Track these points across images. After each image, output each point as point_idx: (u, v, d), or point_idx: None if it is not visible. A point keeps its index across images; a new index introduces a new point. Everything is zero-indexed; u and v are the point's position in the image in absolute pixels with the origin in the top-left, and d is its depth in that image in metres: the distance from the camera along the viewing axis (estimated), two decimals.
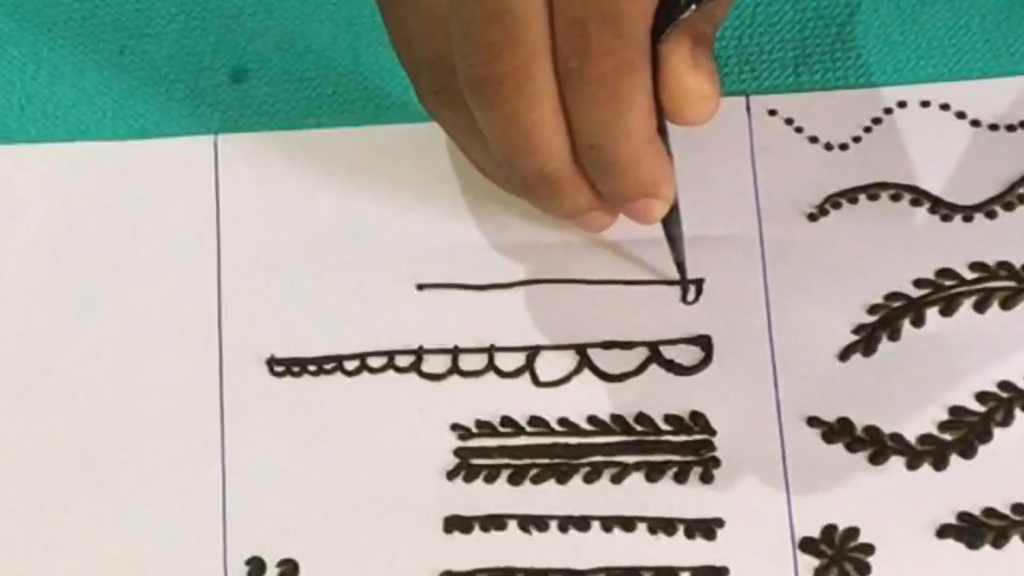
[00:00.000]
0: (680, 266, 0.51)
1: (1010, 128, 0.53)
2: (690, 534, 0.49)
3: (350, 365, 0.51)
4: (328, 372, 0.52)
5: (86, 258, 0.53)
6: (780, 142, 0.53)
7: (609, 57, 0.43)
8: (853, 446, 0.49)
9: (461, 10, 0.43)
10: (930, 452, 0.49)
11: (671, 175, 0.47)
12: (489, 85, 0.44)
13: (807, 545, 0.48)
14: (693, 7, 0.43)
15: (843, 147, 0.53)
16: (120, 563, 0.50)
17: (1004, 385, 0.49)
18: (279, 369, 0.52)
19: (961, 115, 0.53)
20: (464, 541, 0.49)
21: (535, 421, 0.50)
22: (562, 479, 0.50)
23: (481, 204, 0.52)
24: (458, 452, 0.50)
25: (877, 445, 0.49)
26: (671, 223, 0.49)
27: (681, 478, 0.49)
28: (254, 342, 0.52)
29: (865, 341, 0.50)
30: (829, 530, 0.48)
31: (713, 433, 0.50)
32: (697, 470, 0.49)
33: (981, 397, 0.49)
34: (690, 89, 0.44)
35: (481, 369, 0.51)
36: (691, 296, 0.51)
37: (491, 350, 0.51)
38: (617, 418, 0.50)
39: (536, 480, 0.50)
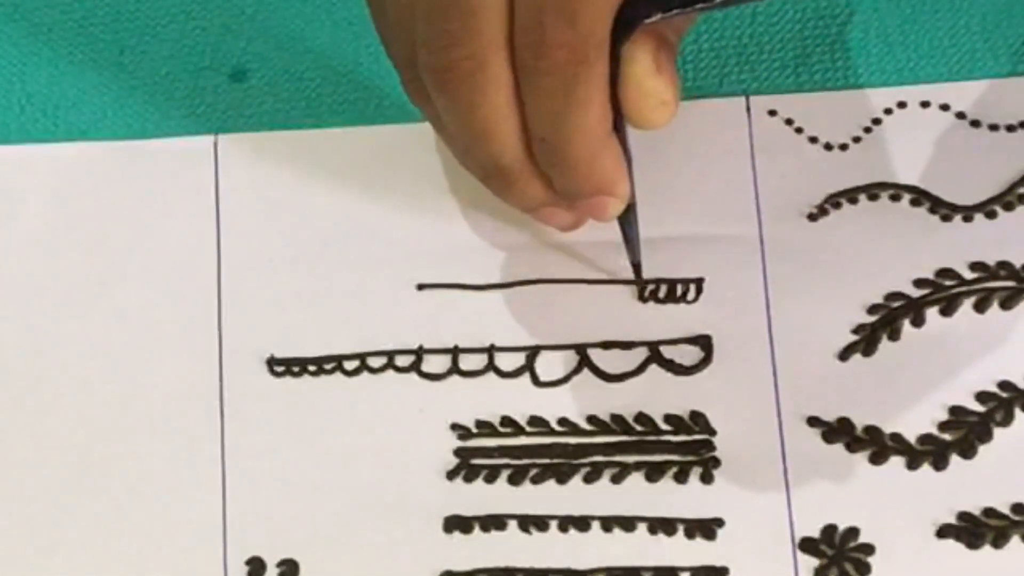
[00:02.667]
0: (636, 267, 0.51)
1: (1010, 128, 0.53)
2: (690, 534, 0.49)
3: (350, 365, 0.51)
4: (328, 372, 0.52)
5: (86, 258, 0.53)
6: (780, 142, 0.53)
7: (562, 49, 0.43)
8: (853, 446, 0.49)
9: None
10: (930, 452, 0.49)
11: (625, 174, 0.47)
12: (444, 73, 0.45)
13: (807, 545, 0.48)
14: (659, 16, 0.44)
15: (843, 147, 0.53)
16: (120, 563, 0.50)
17: (1004, 385, 0.50)
18: (279, 369, 0.52)
19: (961, 115, 0.53)
20: (464, 541, 0.49)
21: (535, 421, 0.50)
22: (562, 479, 0.50)
23: (481, 204, 0.52)
24: (458, 452, 0.50)
25: (877, 445, 0.49)
26: (627, 222, 0.50)
27: (681, 478, 0.49)
28: (254, 342, 0.52)
29: (865, 341, 0.50)
30: (829, 530, 0.48)
31: (713, 433, 0.50)
32: (697, 470, 0.49)
33: (981, 397, 0.49)
34: (649, 93, 0.45)
35: (481, 369, 0.51)
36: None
37: (491, 350, 0.51)
38: (617, 418, 0.50)
39: (536, 480, 0.50)
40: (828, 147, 0.53)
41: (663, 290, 0.51)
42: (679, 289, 0.51)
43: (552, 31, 0.43)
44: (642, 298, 0.51)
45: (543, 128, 0.46)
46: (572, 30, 0.43)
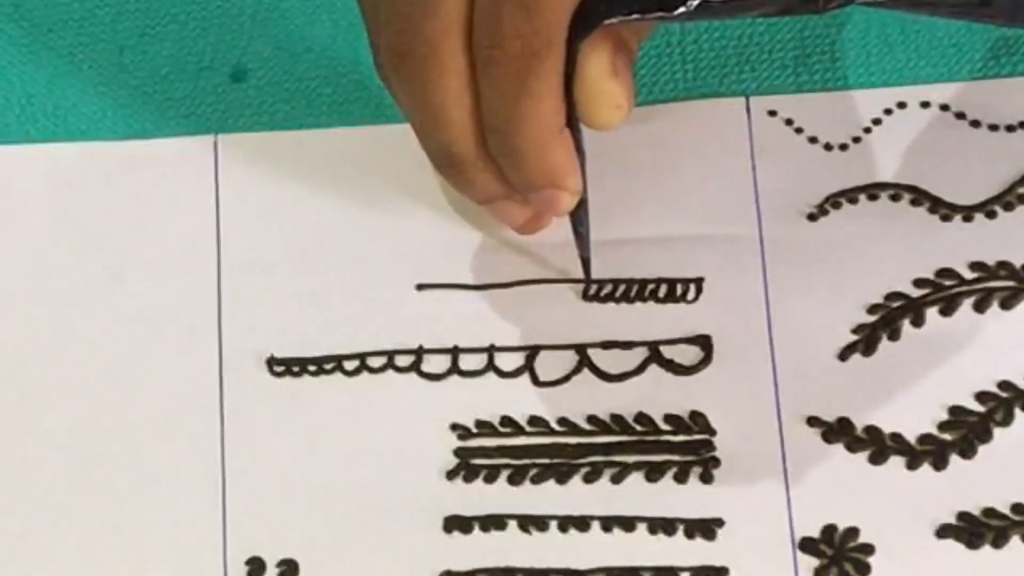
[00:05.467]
0: (584, 262, 0.51)
1: (1010, 128, 0.53)
2: (690, 534, 0.49)
3: (350, 365, 0.51)
4: (328, 372, 0.52)
5: (86, 258, 0.53)
6: (780, 142, 0.53)
7: (518, 40, 0.44)
8: (853, 446, 0.49)
9: None
10: (930, 452, 0.49)
11: (577, 169, 0.47)
12: (399, 56, 0.45)
13: (807, 545, 0.48)
14: (619, 18, 0.44)
15: (843, 147, 0.53)
16: (120, 563, 0.50)
17: (1004, 385, 0.49)
18: (279, 369, 0.52)
19: (961, 115, 0.53)
20: (464, 541, 0.49)
21: (535, 421, 0.50)
22: (562, 479, 0.50)
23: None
24: (458, 452, 0.50)
25: (877, 445, 0.49)
26: (578, 219, 0.50)
27: (681, 478, 0.49)
28: (254, 342, 0.52)
29: (865, 341, 0.50)
30: (829, 530, 0.48)
31: (713, 433, 0.50)
32: (697, 470, 0.49)
33: (981, 397, 0.49)
34: (604, 95, 0.45)
35: (481, 369, 0.51)
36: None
37: (491, 350, 0.51)
38: (617, 418, 0.50)
39: (536, 480, 0.50)
40: (828, 147, 0.53)
41: (663, 290, 0.51)
42: (679, 289, 0.51)
43: (509, 21, 0.44)
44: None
45: (495, 118, 0.46)
46: (529, 22, 0.44)
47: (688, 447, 0.50)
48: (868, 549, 0.48)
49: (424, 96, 0.46)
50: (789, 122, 0.53)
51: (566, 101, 0.46)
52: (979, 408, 0.49)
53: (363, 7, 0.47)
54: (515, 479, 0.50)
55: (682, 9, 0.43)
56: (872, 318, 0.51)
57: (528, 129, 0.46)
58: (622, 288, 0.51)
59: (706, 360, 0.50)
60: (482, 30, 0.44)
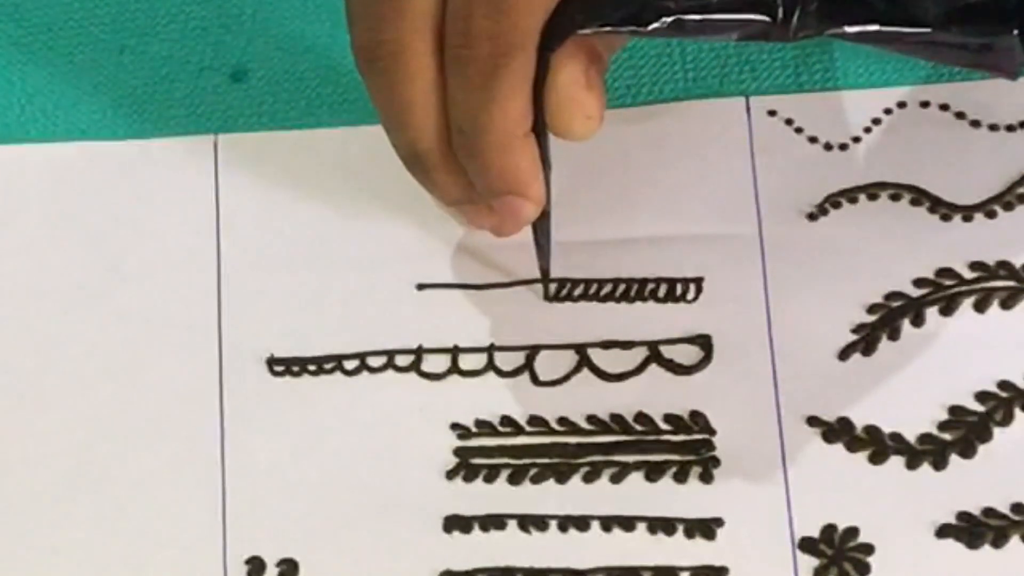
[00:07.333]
0: (543, 273, 0.51)
1: (1010, 128, 0.53)
2: (689, 534, 0.49)
3: (350, 365, 0.51)
4: (328, 372, 0.52)
5: (86, 258, 0.54)
6: (780, 142, 0.53)
7: (487, 41, 0.44)
8: (853, 446, 0.49)
9: None
10: (930, 452, 0.49)
11: (540, 178, 0.47)
12: (368, 53, 0.46)
13: (807, 545, 0.48)
14: (592, 29, 0.44)
15: (843, 147, 0.53)
16: (120, 563, 0.50)
17: (1004, 385, 0.49)
18: (279, 369, 0.52)
19: (961, 115, 0.53)
20: (464, 541, 0.49)
21: (535, 420, 0.50)
22: (561, 479, 0.50)
23: None
24: (458, 452, 0.50)
25: (877, 445, 0.49)
26: (540, 231, 0.50)
27: (681, 478, 0.49)
28: (254, 342, 0.52)
29: (865, 341, 0.50)
30: (828, 530, 0.48)
31: (713, 433, 0.50)
32: (697, 470, 0.49)
33: (981, 397, 0.49)
34: (574, 104, 0.45)
35: (481, 368, 0.51)
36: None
37: (491, 349, 0.51)
38: (617, 417, 0.50)
39: (536, 480, 0.50)
40: (828, 147, 0.53)
41: (663, 289, 0.51)
42: (679, 289, 0.51)
43: (479, 21, 0.44)
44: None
45: (461, 118, 0.46)
46: (499, 23, 0.44)
47: (688, 447, 0.50)
48: (868, 549, 0.48)
49: (392, 94, 0.46)
50: (789, 122, 0.53)
51: (535, 109, 0.45)
52: (979, 408, 0.49)
53: (346, 4, 0.47)
54: (515, 479, 0.50)
55: (655, 25, 0.44)
56: (872, 318, 0.51)
57: (492, 131, 0.45)
58: (622, 288, 0.51)
59: (706, 360, 0.50)
60: (452, 30, 0.45)
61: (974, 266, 0.51)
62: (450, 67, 0.45)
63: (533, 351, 0.51)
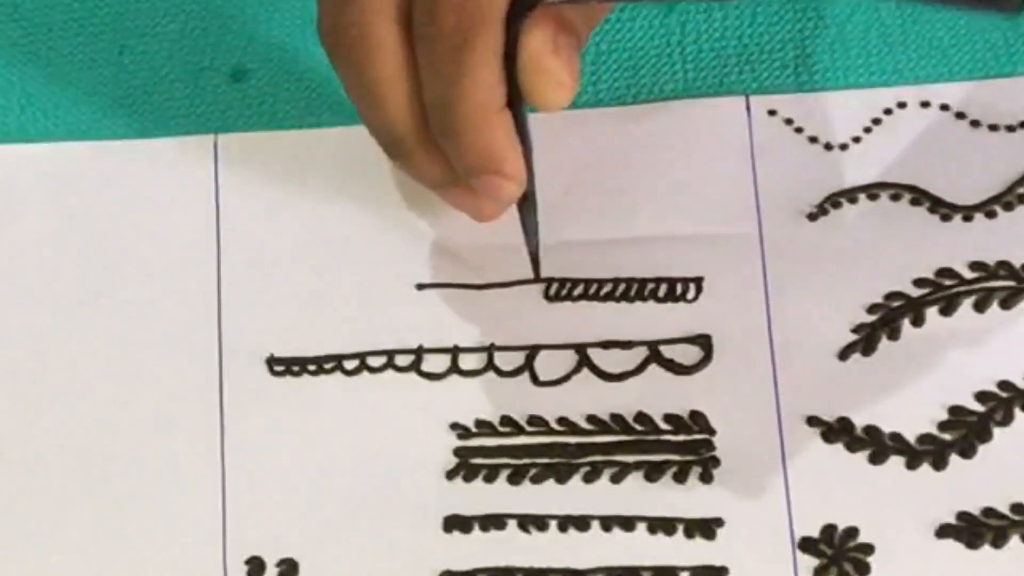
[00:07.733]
0: (533, 257, 0.51)
1: (1010, 128, 0.53)
2: (689, 534, 0.49)
3: (350, 365, 0.51)
4: (328, 372, 0.52)
5: (86, 258, 0.54)
6: (780, 142, 0.53)
7: (453, 14, 0.44)
8: (853, 446, 0.49)
9: None
10: (930, 452, 0.49)
11: (517, 153, 0.47)
12: (332, 38, 0.46)
13: (807, 545, 0.48)
14: None
15: (843, 147, 0.53)
16: (120, 563, 0.50)
17: (1004, 385, 0.50)
18: (279, 368, 0.52)
19: (961, 115, 0.53)
20: (464, 541, 0.49)
21: (534, 420, 0.50)
22: (561, 479, 0.50)
23: None
24: (458, 452, 0.50)
25: (877, 445, 0.49)
26: (525, 212, 0.50)
27: (680, 478, 0.49)
28: (254, 342, 0.52)
29: (865, 341, 0.50)
30: (828, 530, 0.48)
31: (713, 433, 0.50)
32: (696, 470, 0.49)
33: (981, 397, 0.49)
34: (545, 72, 0.45)
35: (480, 368, 0.51)
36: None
37: (490, 349, 0.51)
38: (616, 417, 0.50)
39: (535, 480, 0.50)
40: (828, 147, 0.53)
41: (663, 289, 0.51)
42: (679, 288, 0.51)
43: None
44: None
45: (434, 95, 0.46)
46: None
47: (688, 447, 0.50)
48: (868, 549, 0.48)
49: (360, 76, 0.46)
50: (789, 122, 0.53)
51: (508, 83, 0.45)
52: (979, 408, 0.49)
53: None
54: (515, 479, 0.50)
55: None
56: (872, 318, 0.51)
57: (464, 106, 0.45)
58: (622, 287, 0.51)
59: (706, 360, 0.50)
60: (419, 8, 0.45)
61: (974, 266, 0.51)
62: (419, 46, 0.45)
63: (533, 351, 0.51)
